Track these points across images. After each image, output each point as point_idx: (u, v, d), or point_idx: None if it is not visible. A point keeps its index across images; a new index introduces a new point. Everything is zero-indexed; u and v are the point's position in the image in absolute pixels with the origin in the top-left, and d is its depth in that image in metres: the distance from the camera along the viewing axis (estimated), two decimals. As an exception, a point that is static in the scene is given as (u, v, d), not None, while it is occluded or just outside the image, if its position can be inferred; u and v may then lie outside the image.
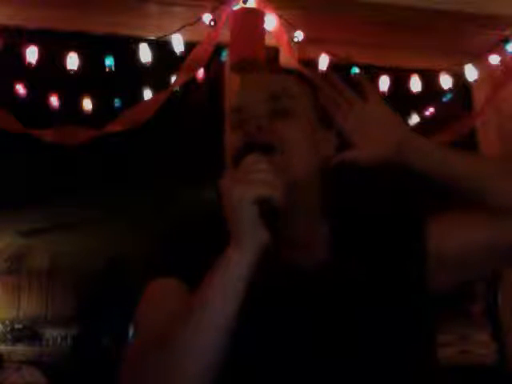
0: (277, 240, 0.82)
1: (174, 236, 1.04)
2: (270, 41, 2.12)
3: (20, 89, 2.13)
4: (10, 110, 2.00)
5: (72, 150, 2.12)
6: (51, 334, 4.47)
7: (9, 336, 4.42)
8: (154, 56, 2.13)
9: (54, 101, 2.19)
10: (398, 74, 2.35)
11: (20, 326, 4.48)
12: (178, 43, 2.12)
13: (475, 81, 2.41)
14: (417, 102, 2.50)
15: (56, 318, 4.55)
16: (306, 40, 2.19)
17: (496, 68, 2.39)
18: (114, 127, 2.07)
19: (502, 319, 2.41)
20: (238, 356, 0.80)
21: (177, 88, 2.13)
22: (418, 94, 2.36)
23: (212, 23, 2.10)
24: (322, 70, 2.24)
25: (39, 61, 2.07)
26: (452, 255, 0.95)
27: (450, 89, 2.39)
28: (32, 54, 2.06)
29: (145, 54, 2.12)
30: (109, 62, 2.11)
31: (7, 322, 4.50)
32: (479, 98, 2.51)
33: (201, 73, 2.20)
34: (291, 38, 2.18)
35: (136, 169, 3.71)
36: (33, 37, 2.11)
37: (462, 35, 2.38)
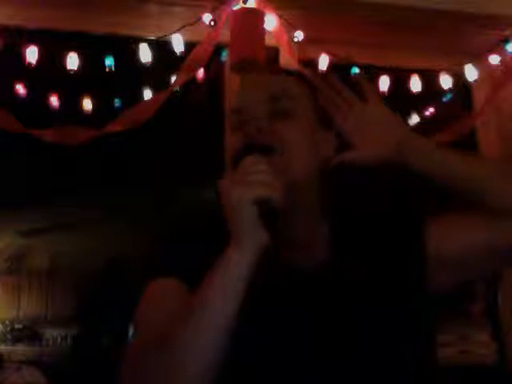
0: (276, 240, 0.82)
1: (173, 236, 1.04)
2: (269, 41, 2.12)
3: (20, 89, 2.13)
4: (10, 110, 2.00)
5: (72, 150, 2.12)
6: (51, 334, 4.47)
7: (9, 336, 4.42)
8: (154, 56, 2.13)
9: (54, 101, 2.19)
10: (397, 74, 2.35)
11: (20, 326, 4.47)
12: (178, 43, 2.12)
13: (475, 81, 2.41)
14: (417, 102, 2.50)
15: (56, 318, 4.55)
16: (306, 40, 2.19)
17: (496, 68, 2.39)
18: (114, 127, 2.07)
19: (502, 319, 2.41)
20: (238, 356, 0.80)
21: (177, 88, 2.13)
22: (418, 94, 2.36)
23: (212, 23, 2.10)
24: (322, 70, 2.24)
25: (39, 61, 2.07)
26: (452, 256, 0.95)
27: (450, 89, 2.39)
28: (32, 54, 2.06)
29: (145, 53, 2.12)
30: (109, 62, 2.11)
31: (7, 322, 4.50)
32: (479, 97, 2.51)
33: (201, 73, 2.20)
34: (291, 38, 2.18)
35: (136, 169, 3.71)
36: (33, 37, 2.11)
37: (462, 35, 2.38)
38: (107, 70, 2.11)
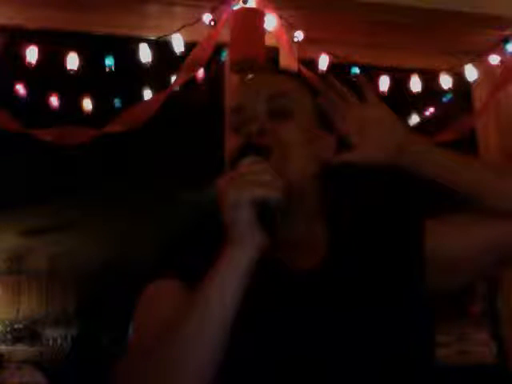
0: (275, 241, 0.82)
1: (173, 236, 1.04)
2: (269, 41, 2.12)
3: (20, 89, 2.13)
4: (10, 110, 2.00)
5: (72, 150, 2.12)
6: (51, 334, 4.47)
7: (9, 336, 4.42)
8: (154, 56, 2.13)
9: (54, 101, 2.19)
10: (397, 74, 2.35)
11: (20, 326, 4.48)
12: (178, 43, 2.12)
13: (475, 81, 2.41)
14: (417, 102, 2.50)
15: (56, 318, 4.56)
16: (306, 40, 2.19)
17: (496, 68, 2.39)
18: (114, 127, 2.06)
19: (502, 319, 2.41)
20: (236, 356, 0.80)
21: (177, 88, 2.13)
22: (418, 94, 2.36)
23: (212, 23, 2.10)
24: (322, 70, 2.24)
25: (39, 61, 2.07)
26: (450, 256, 0.95)
27: (450, 89, 2.39)
28: (32, 54, 2.06)
29: (145, 53, 2.12)
30: (109, 62, 2.11)
31: (7, 322, 4.50)
32: (479, 97, 2.51)
33: (201, 73, 2.20)
34: (291, 38, 2.18)
35: (136, 169, 3.71)
36: (33, 37, 2.11)
37: (462, 35, 2.38)
38: (107, 69, 2.11)
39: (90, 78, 2.19)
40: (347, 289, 0.92)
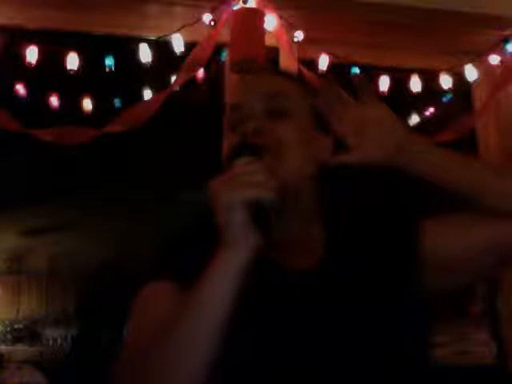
0: (269, 241, 0.82)
1: (172, 236, 1.04)
2: (269, 41, 2.12)
3: (20, 89, 2.13)
4: (10, 110, 2.00)
5: (72, 150, 2.12)
6: (51, 334, 4.47)
7: (9, 336, 4.42)
8: (154, 56, 2.13)
9: (54, 101, 2.19)
10: (397, 74, 2.35)
11: (20, 326, 4.48)
12: (178, 43, 2.12)
13: (475, 81, 2.41)
14: (417, 102, 2.50)
15: (56, 318, 4.56)
16: (306, 40, 2.19)
17: (496, 68, 2.39)
18: (114, 127, 2.07)
19: (502, 319, 2.41)
20: (231, 357, 0.80)
21: (177, 88, 2.13)
22: (418, 94, 2.36)
23: (212, 23, 2.10)
24: (322, 70, 2.24)
25: (39, 61, 2.07)
26: (448, 256, 0.95)
27: (450, 89, 2.39)
28: (32, 54, 2.06)
29: (145, 53, 2.12)
30: (109, 62, 2.11)
31: (7, 322, 4.50)
32: (479, 97, 2.51)
33: (201, 73, 2.20)
34: (291, 38, 2.18)
35: (136, 169, 3.71)
36: (33, 37, 2.11)
37: (462, 35, 2.38)
38: (107, 69, 2.11)
39: (89, 78, 2.19)
40: (344, 289, 0.92)
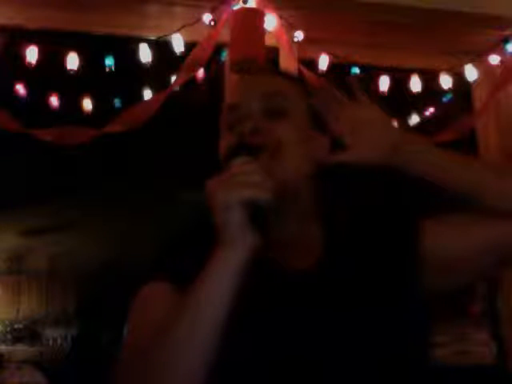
0: (267, 241, 0.82)
1: (172, 237, 1.04)
2: (269, 41, 2.12)
3: (20, 89, 2.13)
4: (10, 110, 2.00)
5: (72, 150, 2.12)
6: (51, 334, 4.48)
7: (9, 336, 4.42)
8: (154, 56, 2.13)
9: (54, 101, 2.19)
10: (397, 74, 2.35)
11: (20, 326, 4.48)
12: (178, 43, 2.12)
13: (475, 81, 2.41)
14: (417, 102, 2.50)
15: (56, 318, 4.56)
16: (306, 40, 2.19)
17: (496, 68, 2.39)
18: (114, 127, 2.07)
19: (502, 319, 2.41)
20: (230, 357, 0.80)
21: (177, 88, 2.13)
22: (418, 94, 2.36)
23: (212, 23, 2.10)
24: (322, 70, 2.24)
25: (39, 61, 2.07)
26: (447, 256, 0.95)
27: (450, 89, 2.39)
28: (32, 54, 2.06)
29: (145, 53, 2.12)
30: (109, 62, 2.11)
31: (7, 322, 4.50)
32: (479, 97, 2.51)
33: (201, 73, 2.20)
34: (291, 38, 2.18)
35: (136, 169, 3.71)
36: (33, 37, 2.11)
37: (462, 35, 2.38)
38: (107, 69, 2.11)
39: (90, 78, 2.19)
40: (343, 289, 0.92)
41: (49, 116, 2.17)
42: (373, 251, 0.96)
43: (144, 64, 2.12)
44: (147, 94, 2.27)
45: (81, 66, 2.09)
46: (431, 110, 2.55)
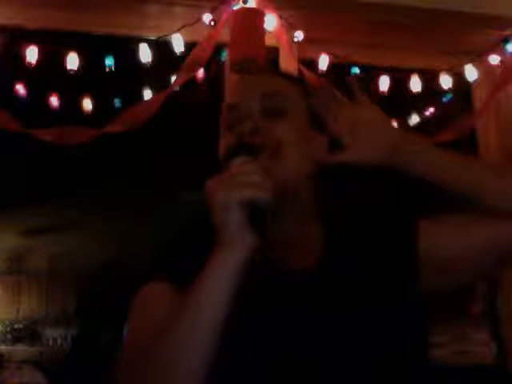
0: (266, 241, 0.82)
1: (171, 237, 1.04)
2: (269, 41, 2.12)
3: (20, 89, 2.13)
4: (10, 110, 2.00)
5: (72, 150, 2.12)
6: (51, 334, 4.48)
7: (9, 336, 4.43)
8: (154, 56, 2.13)
9: (54, 101, 2.19)
10: (397, 74, 2.35)
11: (20, 326, 4.48)
12: (178, 43, 2.12)
13: (475, 81, 2.41)
14: (417, 102, 2.50)
15: (56, 318, 4.56)
16: (306, 40, 2.19)
17: (496, 68, 2.39)
18: (114, 127, 2.07)
19: (502, 319, 2.41)
20: (230, 358, 0.80)
21: (177, 88, 2.13)
22: (418, 94, 2.36)
23: (212, 23, 2.10)
24: (322, 70, 2.24)
25: (39, 61, 2.07)
26: (445, 256, 0.95)
27: (450, 89, 2.39)
28: (32, 54, 2.06)
29: (145, 53, 2.12)
30: (109, 62, 2.11)
31: (7, 322, 4.50)
32: (479, 97, 2.51)
33: (201, 73, 2.20)
34: (291, 38, 2.18)
35: (136, 169, 3.72)
36: (33, 37, 2.11)
37: (462, 35, 2.38)
38: (107, 69, 2.11)
39: (90, 78, 2.19)
40: (342, 289, 0.92)
41: (49, 116, 2.17)
42: (372, 251, 0.96)
43: (144, 64, 2.12)
44: (147, 94, 2.27)
45: (81, 66, 2.09)
46: (431, 110, 2.55)
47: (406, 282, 0.94)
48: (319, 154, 0.96)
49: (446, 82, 2.38)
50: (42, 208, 4.14)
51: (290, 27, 2.18)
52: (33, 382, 3.47)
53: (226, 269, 0.80)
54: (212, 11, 2.11)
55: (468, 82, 2.43)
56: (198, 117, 2.63)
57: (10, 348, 4.31)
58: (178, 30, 2.12)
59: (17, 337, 4.43)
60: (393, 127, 0.97)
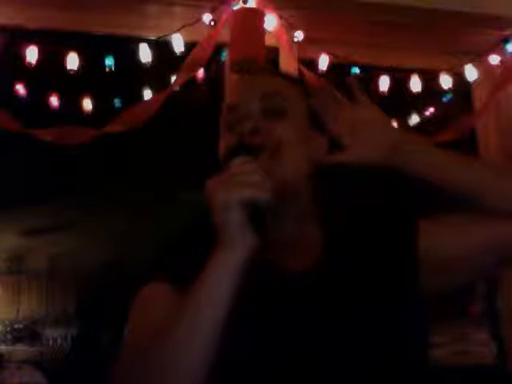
0: (265, 241, 0.82)
1: (171, 237, 1.04)
2: (269, 41, 2.12)
3: (20, 89, 2.13)
4: (10, 110, 2.00)
5: (72, 150, 2.12)
6: (51, 334, 4.48)
7: (9, 336, 4.42)
8: (154, 56, 2.13)
9: (54, 101, 2.19)
10: (397, 74, 2.35)
11: (20, 326, 4.48)
12: (178, 43, 2.12)
13: (475, 81, 2.41)
14: (417, 102, 2.50)
15: (56, 318, 4.56)
16: (306, 40, 2.19)
17: (496, 68, 2.39)
18: (114, 127, 2.07)
19: (502, 319, 2.41)
20: (229, 358, 0.80)
21: (177, 88, 2.13)
22: (418, 94, 2.36)
23: (212, 23, 2.10)
24: (322, 70, 2.24)
25: (39, 61, 2.07)
26: (445, 256, 0.94)
27: (450, 89, 2.39)
28: (32, 54, 2.06)
29: (145, 53, 2.12)
30: (109, 62, 2.11)
31: (7, 322, 4.50)
32: (479, 97, 2.51)
33: (201, 73, 2.20)
34: (291, 38, 2.18)
35: (136, 169, 3.72)
36: (33, 37, 2.11)
37: (462, 35, 2.38)
38: (107, 69, 2.11)
39: (90, 78, 2.19)
40: (341, 290, 0.92)
41: (49, 116, 2.17)
42: (371, 251, 0.96)
43: (144, 64, 2.12)
44: (147, 94, 2.27)
45: (81, 66, 2.09)
46: (431, 110, 2.55)
47: (405, 282, 0.94)
48: (319, 154, 0.96)
49: (446, 82, 2.38)
50: (42, 208, 4.14)
51: (290, 27, 2.18)
52: (33, 382, 3.47)
53: (227, 269, 0.80)
54: (212, 11, 2.11)
55: (468, 82, 2.43)
56: (198, 117, 2.63)
57: (10, 348, 4.30)
58: (178, 30, 2.12)
59: (17, 337, 4.42)
60: (393, 127, 0.97)
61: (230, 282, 0.79)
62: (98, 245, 4.37)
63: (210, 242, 0.81)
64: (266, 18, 2.10)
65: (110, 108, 2.23)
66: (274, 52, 2.18)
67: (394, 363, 0.90)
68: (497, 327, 2.43)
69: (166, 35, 2.14)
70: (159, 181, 3.63)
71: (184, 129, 3.05)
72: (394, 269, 0.95)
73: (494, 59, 2.37)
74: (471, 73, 2.39)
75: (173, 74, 2.15)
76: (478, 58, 2.39)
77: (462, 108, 2.54)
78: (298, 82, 1.07)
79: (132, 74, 2.21)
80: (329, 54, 2.25)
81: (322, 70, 2.24)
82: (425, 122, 2.54)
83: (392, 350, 0.90)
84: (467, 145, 2.46)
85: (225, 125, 0.99)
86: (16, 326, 4.45)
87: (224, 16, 2.10)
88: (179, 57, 2.13)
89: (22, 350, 4.30)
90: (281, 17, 2.16)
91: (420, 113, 2.54)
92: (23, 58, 2.06)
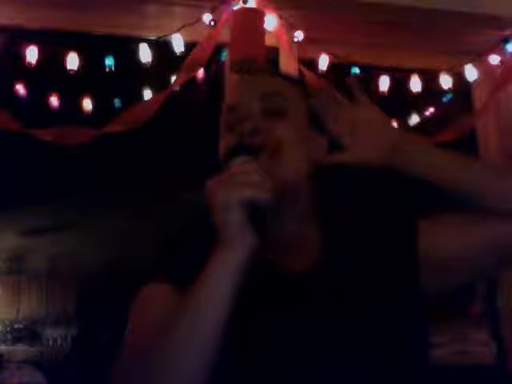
0: (265, 242, 0.82)
1: (171, 237, 1.04)
2: (269, 41, 2.12)
3: (20, 89, 2.13)
4: (10, 110, 2.00)
5: (72, 150, 2.12)
6: (51, 334, 4.48)
7: (9, 336, 4.43)
8: (154, 56, 2.13)
9: (54, 101, 2.19)
10: (397, 74, 2.35)
11: (20, 326, 4.48)
12: (178, 43, 2.12)
13: (475, 81, 2.41)
14: (417, 102, 2.50)
15: (56, 318, 4.56)
16: (306, 40, 2.19)
17: (496, 68, 2.39)
18: (114, 127, 2.07)
19: (502, 319, 2.41)
20: (231, 357, 0.80)
21: (177, 88, 2.13)
22: (418, 94, 2.36)
23: (212, 23, 2.10)
24: (322, 70, 2.24)
25: (39, 61, 2.07)
26: (445, 256, 0.94)
27: (450, 89, 2.39)
28: (32, 54, 2.06)
29: (145, 53, 2.12)
30: (109, 62, 2.11)
31: (7, 322, 4.51)
32: (479, 97, 2.51)
33: (201, 73, 2.20)
34: (291, 38, 2.18)
35: (136, 169, 3.72)
36: (33, 37, 2.11)
37: (462, 35, 2.38)
38: (107, 69, 2.11)
39: (90, 78, 2.19)
40: (340, 290, 0.92)
41: (49, 116, 2.17)
42: (371, 252, 0.96)
43: (144, 64, 2.12)
44: (147, 94, 2.27)
45: (81, 66, 2.09)
46: (431, 110, 2.55)
47: (405, 282, 0.94)
48: (319, 155, 0.96)
49: (446, 82, 2.38)
50: (42, 208, 4.14)
51: (290, 27, 2.18)
52: (33, 382, 3.47)
53: (227, 268, 0.80)
54: (212, 11, 2.11)
55: (468, 82, 2.43)
56: (198, 117, 2.63)
57: (10, 348, 4.31)
58: (178, 30, 2.12)
59: (17, 337, 4.43)
60: (393, 127, 0.97)
61: (230, 282, 0.79)
62: (97, 245, 4.37)
63: (210, 242, 0.81)
64: (266, 18, 2.10)
65: (110, 108, 2.23)
66: (274, 52, 2.18)
67: (394, 363, 0.90)
68: (497, 327, 2.43)
69: (166, 35, 2.14)
70: (159, 181, 3.63)
71: (184, 129, 3.06)
72: (394, 269, 0.95)
73: (494, 59, 2.37)
74: (471, 73, 2.39)
75: (173, 74, 2.15)
76: (478, 58, 2.39)
77: (462, 108, 2.54)
78: (297, 82, 1.07)
79: (132, 74, 2.21)
80: (329, 54, 2.25)
81: (322, 70, 2.24)
82: (425, 122, 2.54)
83: (392, 350, 0.90)
84: (467, 145, 2.46)
85: (225, 125, 0.99)
86: (16, 326, 4.46)
87: (224, 16, 2.10)
88: (179, 57, 2.13)
89: (22, 349, 4.30)
90: (281, 17, 2.16)
91: (420, 113, 2.54)
92: (23, 57, 2.06)
